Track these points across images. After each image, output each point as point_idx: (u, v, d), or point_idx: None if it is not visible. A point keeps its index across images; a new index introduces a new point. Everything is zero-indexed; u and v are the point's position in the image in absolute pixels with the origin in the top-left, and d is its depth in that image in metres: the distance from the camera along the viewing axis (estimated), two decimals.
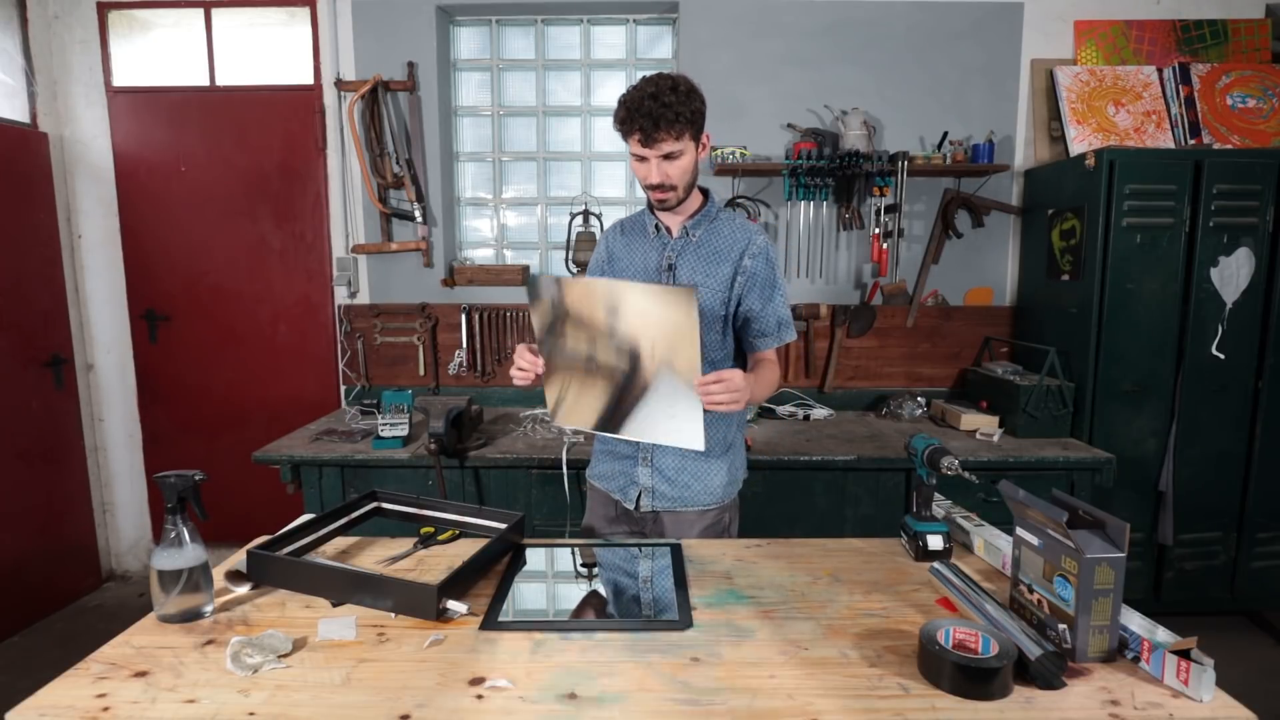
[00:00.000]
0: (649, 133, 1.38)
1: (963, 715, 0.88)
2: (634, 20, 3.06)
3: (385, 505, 1.54)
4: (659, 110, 1.36)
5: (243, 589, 1.21)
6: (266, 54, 3.04)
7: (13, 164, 2.78)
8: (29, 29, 2.88)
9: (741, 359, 1.62)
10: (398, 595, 1.13)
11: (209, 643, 1.05)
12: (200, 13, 2.97)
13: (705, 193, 1.58)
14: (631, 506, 1.60)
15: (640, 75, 3.16)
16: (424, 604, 1.11)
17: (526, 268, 3.07)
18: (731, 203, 2.89)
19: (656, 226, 1.58)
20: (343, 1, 2.91)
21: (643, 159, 1.44)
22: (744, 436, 1.70)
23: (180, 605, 1.10)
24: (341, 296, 3.06)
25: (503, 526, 1.39)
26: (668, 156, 1.42)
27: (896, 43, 2.88)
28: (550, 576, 1.38)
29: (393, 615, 1.12)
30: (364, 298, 3.06)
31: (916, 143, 2.93)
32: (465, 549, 1.40)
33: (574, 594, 1.33)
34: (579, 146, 3.16)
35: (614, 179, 3.18)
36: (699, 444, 1.31)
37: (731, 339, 1.58)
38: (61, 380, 2.97)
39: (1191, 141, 2.74)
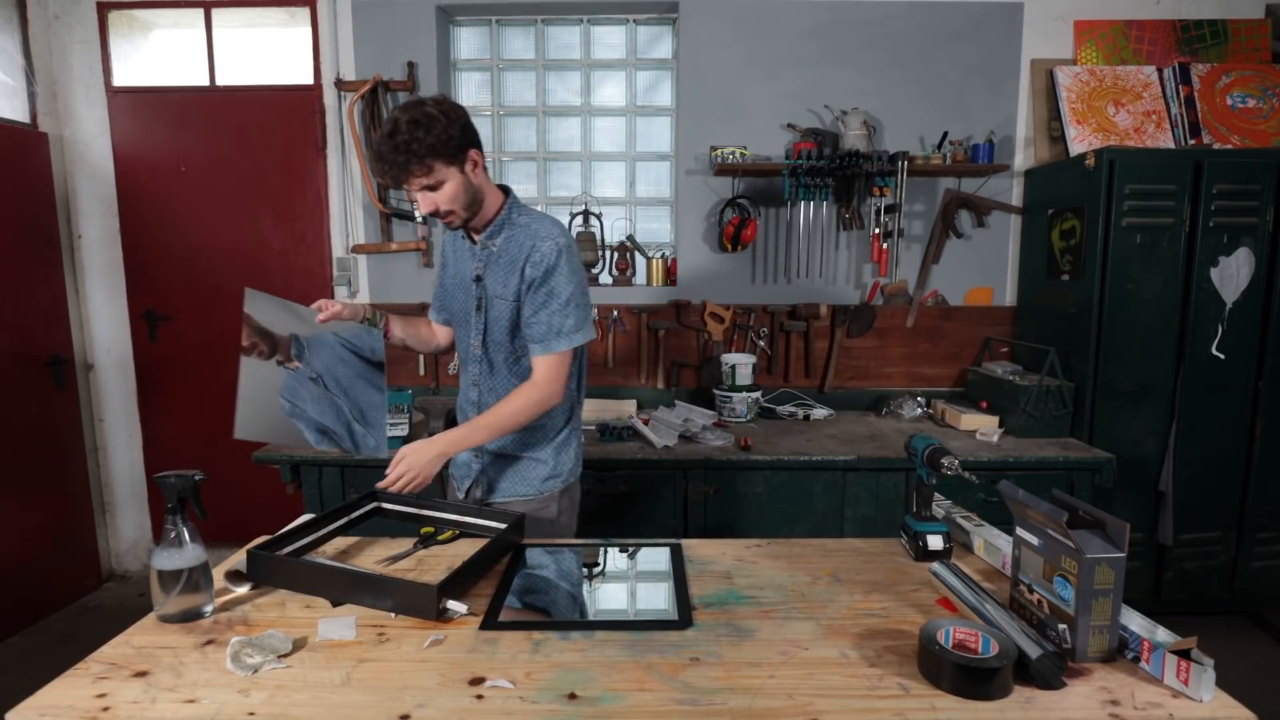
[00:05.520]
0: (395, 178, 1.41)
1: (963, 715, 0.88)
2: (634, 20, 3.06)
3: (385, 505, 1.54)
4: (391, 154, 1.37)
5: (243, 589, 1.21)
6: (266, 54, 3.05)
7: (13, 164, 2.78)
8: (29, 29, 2.88)
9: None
10: (398, 595, 1.13)
11: (209, 643, 1.05)
12: (200, 12, 2.97)
13: (506, 193, 1.56)
14: (462, 495, 1.66)
15: (640, 75, 3.17)
16: (424, 604, 1.11)
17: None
18: (731, 203, 2.89)
19: (466, 236, 1.59)
20: (343, 1, 2.90)
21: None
22: (578, 437, 1.69)
23: (180, 605, 1.10)
24: (341, 296, 3.06)
25: (503, 526, 1.39)
26: (429, 188, 1.42)
27: (896, 43, 2.88)
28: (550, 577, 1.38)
29: (393, 615, 1.12)
30: (364, 297, 3.06)
31: (916, 143, 2.93)
32: (465, 549, 1.40)
33: (574, 594, 1.33)
34: (579, 146, 3.16)
35: (614, 179, 3.18)
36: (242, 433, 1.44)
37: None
38: (61, 380, 2.97)
39: (1191, 141, 2.74)
